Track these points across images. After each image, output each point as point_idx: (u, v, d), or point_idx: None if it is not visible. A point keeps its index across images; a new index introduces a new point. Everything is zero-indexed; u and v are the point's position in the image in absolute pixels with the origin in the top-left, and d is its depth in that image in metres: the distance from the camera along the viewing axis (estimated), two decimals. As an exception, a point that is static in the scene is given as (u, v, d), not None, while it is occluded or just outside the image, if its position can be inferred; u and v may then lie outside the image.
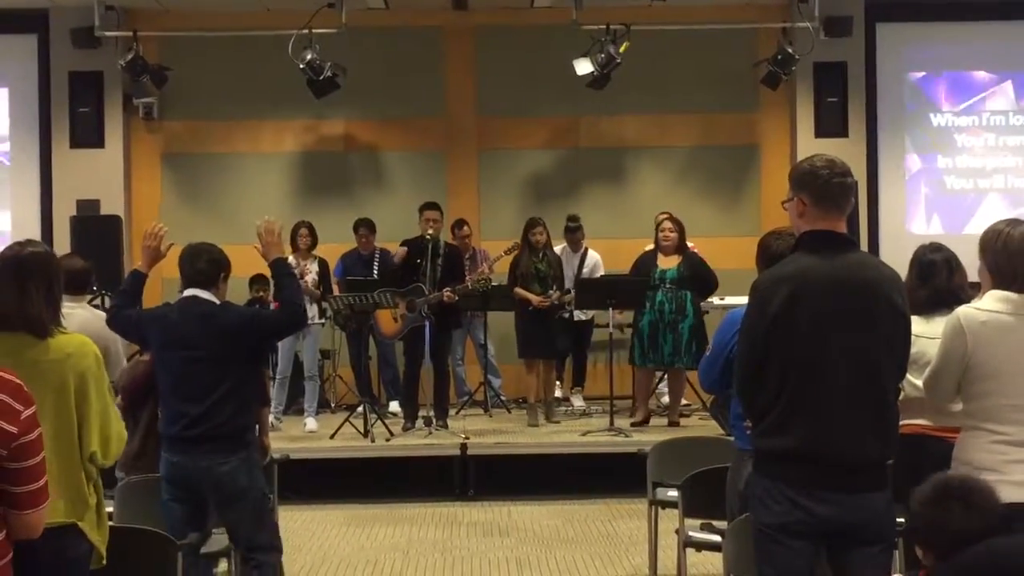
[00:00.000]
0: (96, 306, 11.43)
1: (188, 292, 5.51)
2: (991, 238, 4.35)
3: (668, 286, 10.45)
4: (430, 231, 10.30)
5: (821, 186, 4.03)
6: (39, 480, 3.53)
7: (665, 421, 10.76)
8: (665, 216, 10.79)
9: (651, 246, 10.82)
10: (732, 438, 5.27)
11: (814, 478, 3.93)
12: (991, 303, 4.29)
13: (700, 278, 10.55)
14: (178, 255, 5.65)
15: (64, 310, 4.23)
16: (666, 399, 11.15)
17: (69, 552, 4.05)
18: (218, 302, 5.51)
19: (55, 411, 4.01)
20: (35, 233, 12.34)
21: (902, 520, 4.45)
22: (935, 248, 5.38)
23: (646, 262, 10.62)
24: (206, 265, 5.50)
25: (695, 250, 11.31)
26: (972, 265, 5.29)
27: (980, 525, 3.53)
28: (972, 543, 3.48)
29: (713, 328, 5.46)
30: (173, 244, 5.75)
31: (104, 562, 4.20)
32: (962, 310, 4.36)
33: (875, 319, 3.99)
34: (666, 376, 11.17)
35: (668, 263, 10.55)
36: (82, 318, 6.00)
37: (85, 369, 4.06)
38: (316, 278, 10.90)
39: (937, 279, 5.18)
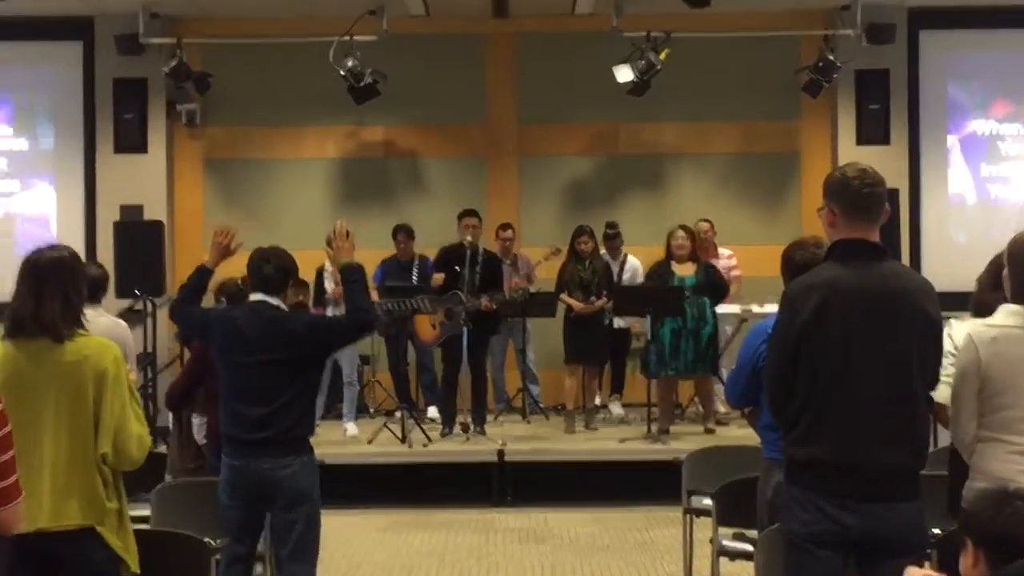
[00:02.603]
0: (138, 311, 11.63)
1: (255, 296, 5.52)
2: (1015, 247, 4.32)
3: (688, 293, 10.43)
4: (468, 238, 10.34)
5: (852, 196, 4.03)
6: (8, 478, 3.46)
7: (702, 428, 10.72)
8: (677, 227, 10.71)
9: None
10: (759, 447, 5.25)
11: (844, 487, 3.92)
12: (1001, 318, 4.27)
13: (714, 286, 10.55)
14: (246, 258, 5.65)
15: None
16: (702, 407, 11.09)
17: (90, 556, 4.07)
18: (285, 307, 5.53)
19: (71, 413, 4.05)
20: (79, 238, 12.48)
21: (937, 531, 4.43)
22: None
23: (662, 271, 10.58)
24: (274, 271, 5.50)
25: (733, 259, 11.30)
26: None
27: None
28: None
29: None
30: (241, 243, 5.78)
31: (136, 570, 4.22)
32: (972, 328, 4.34)
33: (906, 328, 3.98)
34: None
35: (685, 270, 10.51)
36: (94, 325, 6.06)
37: (103, 371, 4.09)
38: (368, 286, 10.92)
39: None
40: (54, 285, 4.10)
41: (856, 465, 3.91)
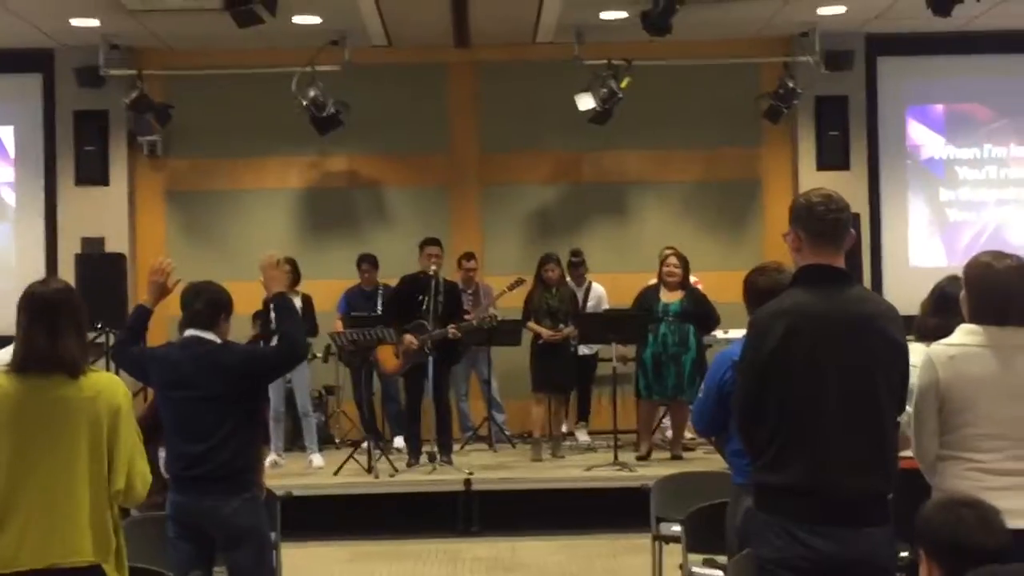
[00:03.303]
0: (99, 343, 11.55)
1: (189, 332, 5.51)
2: (973, 269, 4.37)
3: (671, 319, 10.49)
4: (433, 267, 10.33)
5: (817, 221, 4.05)
6: None
7: (668, 455, 10.75)
8: (671, 252, 10.82)
9: (654, 280, 10.85)
10: (728, 472, 5.27)
11: (814, 513, 3.93)
12: (960, 337, 4.32)
13: (702, 314, 10.59)
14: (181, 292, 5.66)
15: None
16: (670, 432, 11.12)
17: None
18: (219, 341, 5.50)
19: (89, 449, 4.03)
20: (40, 270, 12.38)
21: (904, 555, 4.45)
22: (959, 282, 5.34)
23: (648, 296, 10.66)
24: (204, 306, 5.49)
25: (699, 285, 11.34)
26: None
27: (994, 543, 3.44)
28: (983, 563, 3.40)
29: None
30: (180, 280, 5.74)
31: None
32: (932, 347, 4.38)
33: (872, 353, 4.00)
34: (668, 409, 11.16)
35: (671, 297, 10.59)
36: None
37: (118, 406, 4.09)
38: (299, 315, 10.86)
39: (951, 314, 5.15)
40: (67, 319, 4.08)
41: (826, 490, 3.92)
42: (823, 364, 3.96)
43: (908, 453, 4.51)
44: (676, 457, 10.64)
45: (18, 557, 3.97)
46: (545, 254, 11.12)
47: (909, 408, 4.37)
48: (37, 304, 4.11)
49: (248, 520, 5.41)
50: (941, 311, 5.09)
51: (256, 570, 5.46)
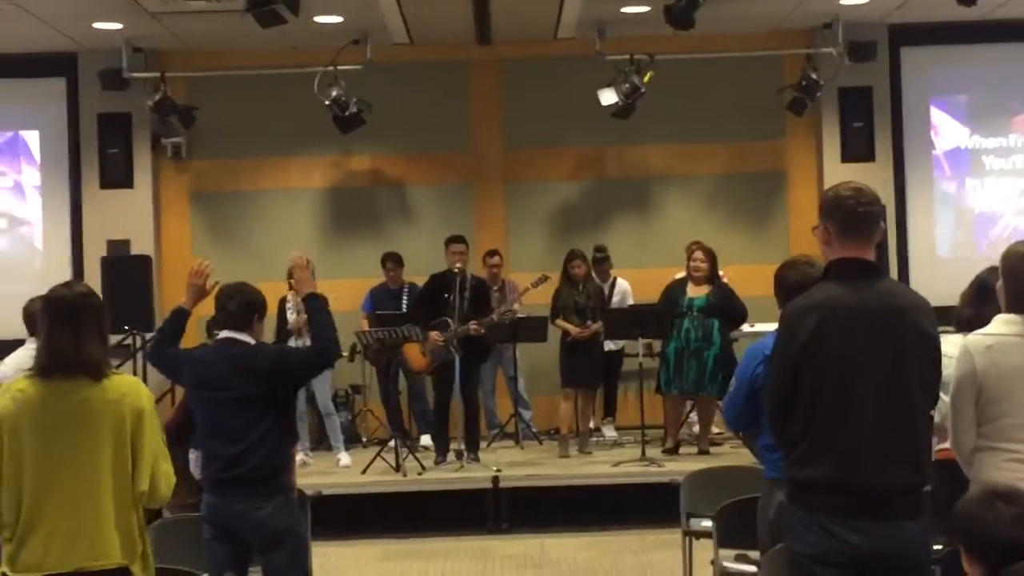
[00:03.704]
0: (127, 346, 11.59)
1: (223, 334, 5.52)
2: (1009, 258, 4.34)
3: (695, 314, 10.46)
4: (457, 264, 10.33)
5: (846, 215, 4.03)
6: None
7: (696, 450, 10.73)
8: (697, 246, 10.79)
9: (681, 274, 10.83)
10: (761, 467, 5.25)
11: (847, 507, 3.91)
12: (997, 327, 4.30)
13: (728, 308, 10.55)
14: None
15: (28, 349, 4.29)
16: (697, 428, 11.10)
17: None
18: (253, 342, 5.51)
19: (113, 451, 4.04)
20: (66, 273, 12.42)
21: (939, 547, 4.43)
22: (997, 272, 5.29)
23: (675, 290, 10.64)
24: (237, 308, 5.50)
25: (727, 279, 11.31)
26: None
27: None
28: (1022, 558, 3.37)
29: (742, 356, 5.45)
30: (218, 282, 5.74)
31: None
32: (968, 337, 4.37)
33: (904, 346, 3.98)
34: (694, 404, 11.14)
35: (697, 292, 10.56)
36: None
37: (140, 409, 4.10)
38: (331, 316, 10.86)
39: (989, 304, 5.11)
40: (90, 323, 4.10)
41: (860, 484, 3.91)
42: (855, 357, 3.94)
43: (946, 444, 4.49)
44: (703, 452, 10.63)
45: (45, 561, 3.99)
46: (571, 251, 11.11)
47: (946, 398, 4.35)
48: (59, 307, 4.13)
49: (283, 522, 5.42)
50: (980, 301, 5.05)
51: (292, 572, 5.46)
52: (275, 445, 5.43)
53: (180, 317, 5.69)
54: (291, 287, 10.62)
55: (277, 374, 5.45)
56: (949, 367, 4.25)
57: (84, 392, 4.06)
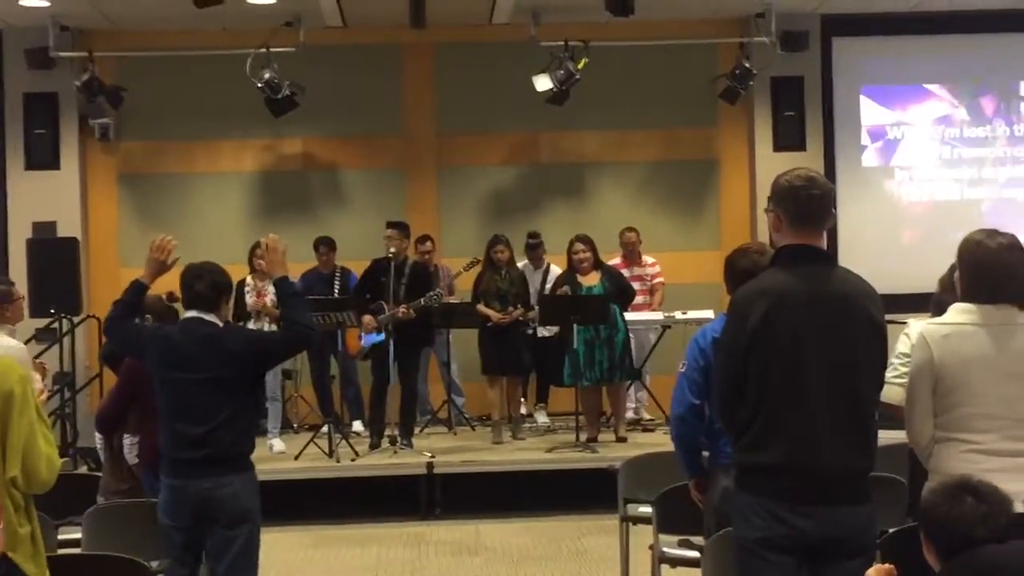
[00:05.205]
0: (54, 329, 11.40)
1: (190, 313, 5.42)
2: (966, 247, 4.37)
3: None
4: (392, 249, 10.28)
5: (798, 202, 4.05)
6: None
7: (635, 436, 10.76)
8: (575, 239, 10.71)
9: (558, 269, 10.97)
10: (705, 453, 5.25)
11: (796, 492, 3.93)
12: (953, 315, 4.31)
13: (622, 291, 10.58)
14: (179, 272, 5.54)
15: None
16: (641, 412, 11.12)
17: None
18: (220, 324, 5.43)
19: None
20: (-10, 256, 12.23)
21: (882, 531, 4.47)
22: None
23: (565, 282, 10.58)
24: (206, 288, 5.40)
25: (656, 265, 11.38)
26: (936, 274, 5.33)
27: (992, 527, 3.45)
28: (977, 546, 3.42)
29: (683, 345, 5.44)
30: (179, 258, 5.65)
31: None
32: (924, 326, 4.38)
33: (853, 333, 4.01)
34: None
35: (590, 280, 10.50)
36: None
37: (8, 391, 3.94)
38: (275, 299, 10.80)
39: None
40: None
41: (808, 469, 3.93)
42: (803, 343, 3.96)
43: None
44: (621, 439, 10.58)
45: None
46: (494, 236, 11.05)
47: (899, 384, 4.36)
48: None
49: (249, 500, 5.35)
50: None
51: (247, 549, 5.37)
52: (243, 425, 5.37)
53: (139, 291, 5.59)
54: (253, 269, 10.55)
55: (253, 356, 5.37)
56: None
57: None
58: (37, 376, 6.85)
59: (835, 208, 4.14)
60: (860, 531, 3.99)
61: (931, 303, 5.13)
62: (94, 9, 11.71)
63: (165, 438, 5.40)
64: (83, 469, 10.18)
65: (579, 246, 10.58)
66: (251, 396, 5.47)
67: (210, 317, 5.39)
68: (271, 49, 11.76)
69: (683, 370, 5.10)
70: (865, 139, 13.22)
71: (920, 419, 4.29)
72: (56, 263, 11.49)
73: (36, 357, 8.48)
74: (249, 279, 10.64)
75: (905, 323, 5.07)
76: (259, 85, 11.75)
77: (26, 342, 8.36)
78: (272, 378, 10.76)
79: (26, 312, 8.21)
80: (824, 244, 4.12)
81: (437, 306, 10.51)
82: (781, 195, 4.08)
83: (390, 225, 10.53)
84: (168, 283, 5.98)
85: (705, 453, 5.19)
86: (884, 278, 5.55)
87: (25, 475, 3.95)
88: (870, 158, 13.23)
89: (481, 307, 10.74)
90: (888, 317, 4.21)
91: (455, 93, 13.01)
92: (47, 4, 11.57)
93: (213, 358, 5.28)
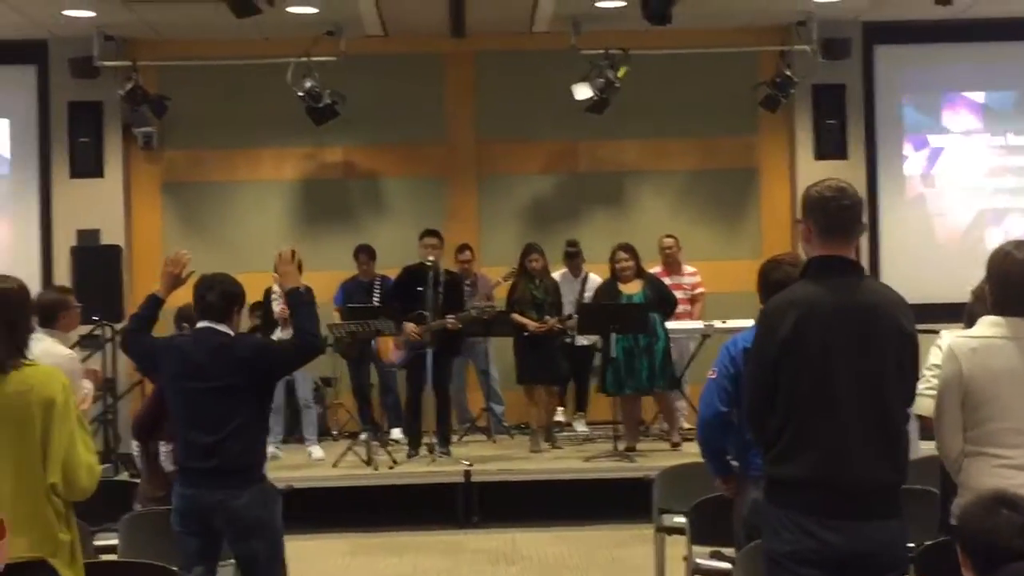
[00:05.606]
0: (96, 336, 11.50)
1: (202, 324, 5.48)
2: (995, 258, 4.32)
3: None
4: (430, 258, 10.29)
5: (828, 213, 4.03)
6: None
7: (667, 445, 10.72)
8: (617, 247, 10.71)
9: (597, 278, 10.96)
10: (735, 463, 5.24)
11: (825, 506, 3.91)
12: (982, 329, 4.27)
13: (664, 300, 10.54)
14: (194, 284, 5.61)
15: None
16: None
17: None
18: (232, 333, 5.48)
19: (17, 445, 3.97)
20: (36, 264, 12.34)
21: (912, 545, 4.43)
22: None
23: (608, 291, 10.57)
24: (217, 299, 5.45)
25: (696, 274, 11.34)
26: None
27: None
28: (1015, 560, 3.37)
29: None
30: (193, 272, 5.71)
31: None
32: (953, 339, 4.33)
33: (882, 344, 3.99)
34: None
35: (631, 288, 10.48)
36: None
37: (50, 400, 4.00)
38: (315, 309, 10.81)
39: None
40: None
41: (838, 483, 3.91)
42: (833, 355, 3.94)
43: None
44: (675, 446, 10.59)
45: None
46: (528, 244, 11.05)
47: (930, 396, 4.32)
48: None
49: (258, 512, 5.38)
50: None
51: (269, 563, 5.42)
52: (253, 436, 5.42)
53: (155, 305, 5.66)
54: (275, 280, 10.60)
55: (261, 364, 5.42)
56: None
57: None
58: (88, 383, 6.95)
59: (863, 220, 4.11)
60: (891, 546, 3.97)
61: (964, 313, 5.08)
62: (138, 19, 11.82)
63: (180, 448, 5.48)
64: (124, 475, 10.26)
65: (621, 254, 10.56)
66: (260, 408, 5.51)
67: (222, 327, 5.45)
68: (312, 58, 11.83)
69: (713, 376, 5.11)
70: (907, 148, 13.12)
71: (949, 433, 4.24)
72: (99, 271, 11.63)
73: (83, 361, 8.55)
74: (275, 287, 10.65)
75: (937, 333, 5.02)
76: (300, 94, 11.81)
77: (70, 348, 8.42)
78: (304, 385, 10.80)
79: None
80: (853, 254, 4.09)
81: (488, 318, 10.53)
82: (811, 206, 4.07)
83: (432, 234, 10.55)
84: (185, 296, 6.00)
85: (735, 463, 5.17)
86: (924, 287, 5.52)
87: (65, 482, 4.01)
88: (912, 166, 13.13)
89: (516, 316, 10.73)
90: (924, 327, 4.17)
91: (495, 102, 13.03)
92: (92, 14, 11.68)
93: (224, 367, 5.34)
